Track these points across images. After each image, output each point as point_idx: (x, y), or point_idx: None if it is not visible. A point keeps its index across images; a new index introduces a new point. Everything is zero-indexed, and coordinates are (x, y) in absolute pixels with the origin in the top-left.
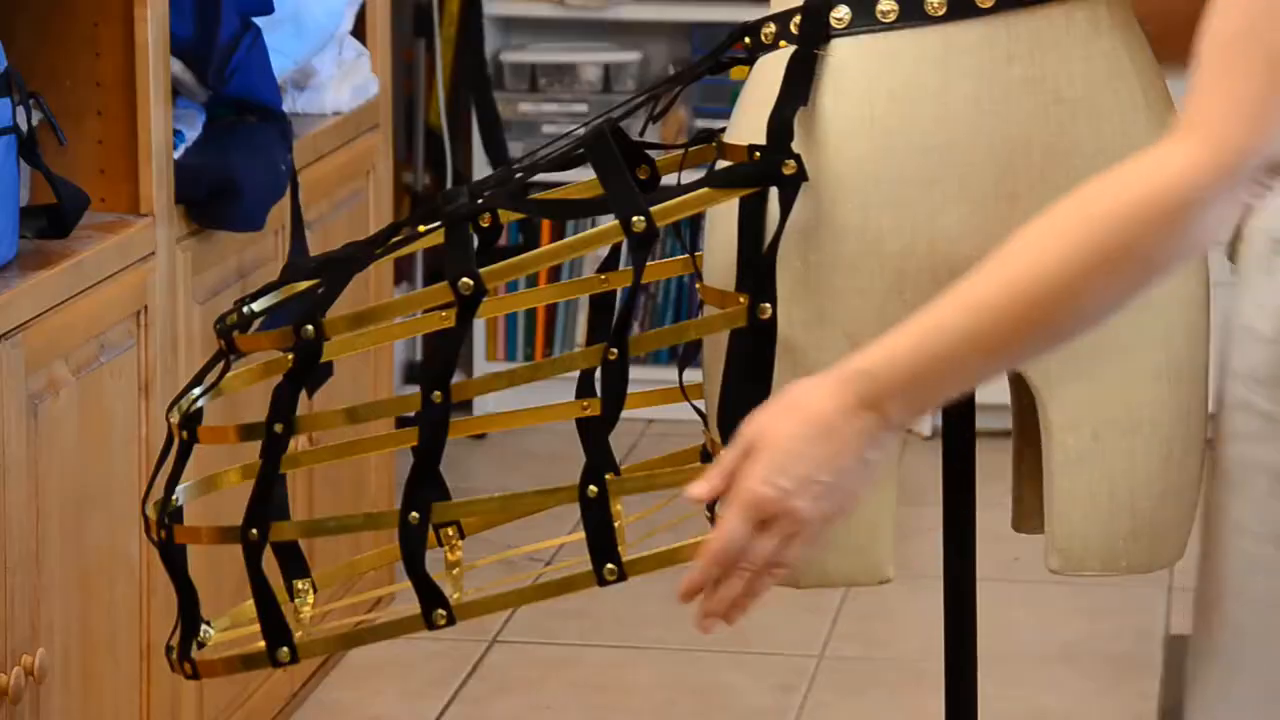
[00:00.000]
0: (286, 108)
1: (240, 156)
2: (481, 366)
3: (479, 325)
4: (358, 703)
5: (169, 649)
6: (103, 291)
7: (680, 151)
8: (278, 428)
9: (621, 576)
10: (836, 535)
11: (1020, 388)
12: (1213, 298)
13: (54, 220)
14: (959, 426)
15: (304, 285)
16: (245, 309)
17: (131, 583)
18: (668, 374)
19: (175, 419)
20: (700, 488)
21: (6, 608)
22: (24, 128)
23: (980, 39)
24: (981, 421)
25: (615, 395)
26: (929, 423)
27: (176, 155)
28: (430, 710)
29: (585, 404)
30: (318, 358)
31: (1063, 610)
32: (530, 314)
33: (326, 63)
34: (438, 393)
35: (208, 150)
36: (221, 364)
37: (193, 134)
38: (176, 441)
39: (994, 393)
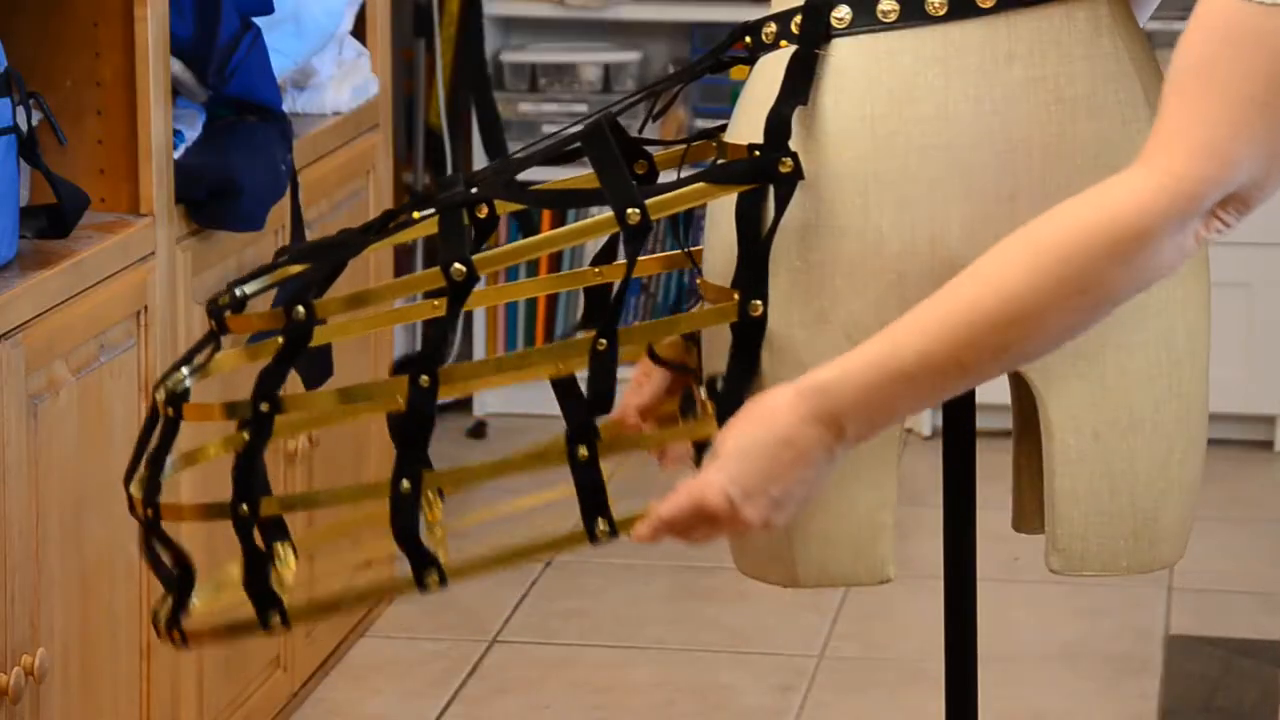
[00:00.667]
0: (286, 108)
1: (240, 156)
2: None
3: (479, 320)
4: (358, 702)
5: (155, 616)
6: (103, 291)
7: (679, 148)
8: (264, 406)
9: (614, 533)
10: (838, 535)
11: (1021, 387)
12: (1212, 298)
13: (54, 220)
14: (959, 426)
15: (297, 269)
16: (237, 291)
17: (131, 583)
18: None
19: (161, 396)
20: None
21: (6, 608)
22: (24, 128)
23: (981, 39)
24: (981, 421)
25: (603, 385)
26: (929, 423)
27: (176, 155)
28: (430, 710)
29: (560, 364)
30: (308, 339)
31: (1063, 610)
32: (530, 309)
33: (326, 63)
34: (425, 377)
35: (208, 150)
36: (212, 345)
37: (193, 134)
38: (162, 419)
39: (994, 393)
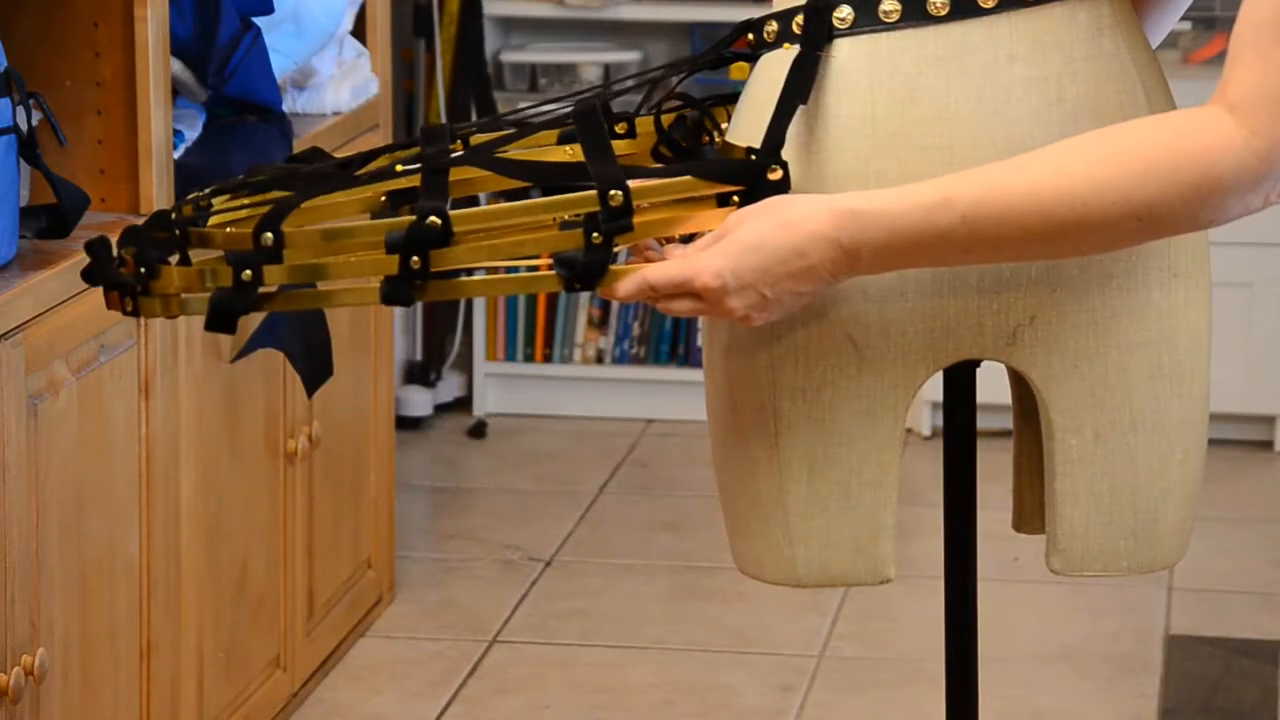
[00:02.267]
0: (286, 108)
1: (240, 156)
2: (481, 367)
3: (479, 318)
4: (358, 703)
5: (111, 283)
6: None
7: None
8: (245, 274)
9: (589, 286)
10: (838, 534)
11: (1021, 387)
12: (1212, 299)
13: (54, 220)
14: (959, 426)
15: (271, 195)
16: (202, 203)
17: (131, 583)
18: (667, 374)
19: (128, 253)
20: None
21: (6, 608)
22: (24, 128)
23: (983, 39)
24: (981, 421)
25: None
26: (929, 423)
27: (176, 155)
28: (430, 710)
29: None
30: (276, 262)
31: (1063, 610)
32: (530, 315)
33: (326, 63)
34: (416, 258)
35: (208, 150)
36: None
37: (193, 134)
38: (134, 273)
39: (994, 393)
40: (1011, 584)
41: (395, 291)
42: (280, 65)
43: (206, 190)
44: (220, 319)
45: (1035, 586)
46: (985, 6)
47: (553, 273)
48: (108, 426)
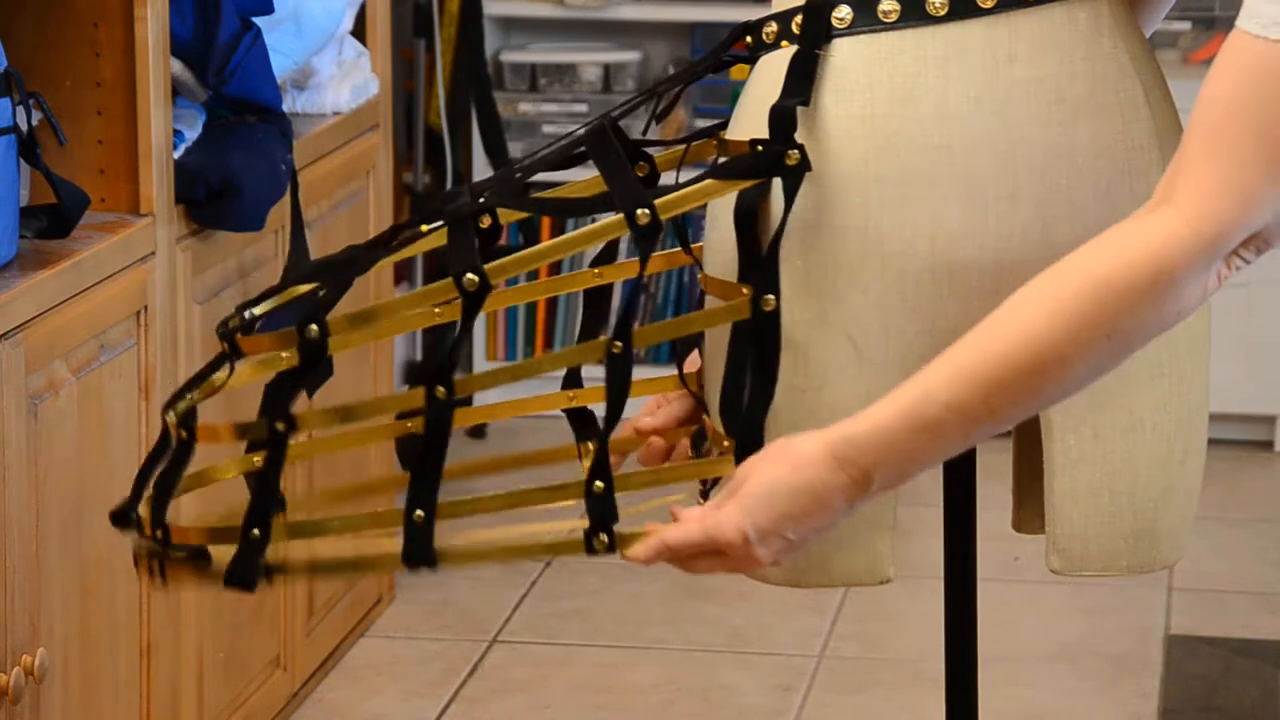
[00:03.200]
0: (286, 108)
1: (240, 156)
2: (481, 365)
3: (479, 324)
4: (358, 703)
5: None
6: (103, 291)
7: (680, 148)
8: (280, 425)
9: (611, 548)
10: (838, 534)
11: None
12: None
13: (54, 220)
14: None
15: (305, 288)
16: (246, 313)
17: (131, 583)
18: (668, 373)
19: (173, 419)
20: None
21: (6, 608)
22: (24, 128)
23: (982, 39)
24: None
25: (619, 389)
26: None
27: (176, 155)
28: (430, 710)
29: (572, 395)
30: (321, 357)
31: (1063, 610)
32: (530, 312)
33: (326, 63)
34: (441, 388)
35: (208, 150)
36: (226, 366)
37: (193, 134)
38: (175, 441)
39: None
40: (1011, 584)
41: (417, 553)
42: (280, 65)
43: (247, 305)
44: (238, 583)
45: (1035, 586)
46: (984, 6)
47: (574, 537)
48: (108, 426)
